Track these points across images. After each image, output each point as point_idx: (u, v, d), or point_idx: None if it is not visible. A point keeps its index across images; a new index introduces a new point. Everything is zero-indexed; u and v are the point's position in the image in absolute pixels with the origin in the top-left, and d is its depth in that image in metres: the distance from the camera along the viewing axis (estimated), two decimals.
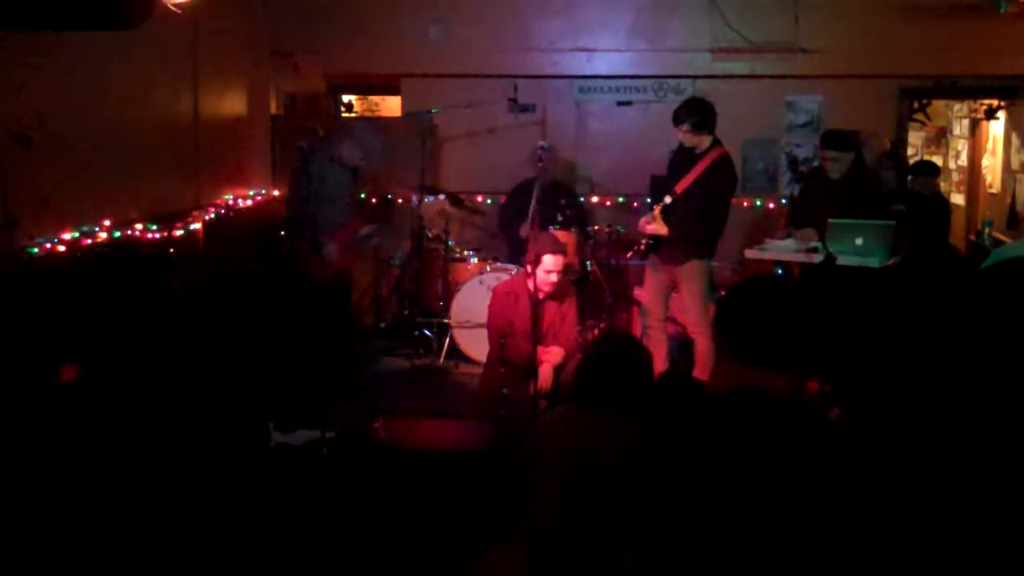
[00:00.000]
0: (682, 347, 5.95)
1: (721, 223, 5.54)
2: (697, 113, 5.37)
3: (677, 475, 1.90)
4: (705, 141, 5.43)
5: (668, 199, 5.44)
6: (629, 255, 6.08)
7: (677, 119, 5.41)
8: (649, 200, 5.80)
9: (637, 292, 6.51)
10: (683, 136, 5.42)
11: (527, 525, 2.90)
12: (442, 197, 6.90)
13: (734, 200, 7.68)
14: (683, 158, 5.54)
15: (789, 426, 1.92)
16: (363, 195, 7.36)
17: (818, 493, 1.83)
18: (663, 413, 2.09)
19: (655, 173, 6.54)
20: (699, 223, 5.41)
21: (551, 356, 5.02)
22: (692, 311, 5.59)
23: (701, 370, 5.57)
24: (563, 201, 6.84)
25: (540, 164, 6.81)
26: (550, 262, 4.98)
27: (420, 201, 6.92)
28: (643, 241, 5.64)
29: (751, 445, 1.88)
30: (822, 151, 5.93)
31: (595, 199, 7.71)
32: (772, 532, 1.81)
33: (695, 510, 1.86)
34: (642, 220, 5.56)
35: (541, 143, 7.08)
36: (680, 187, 5.41)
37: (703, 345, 5.57)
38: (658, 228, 5.42)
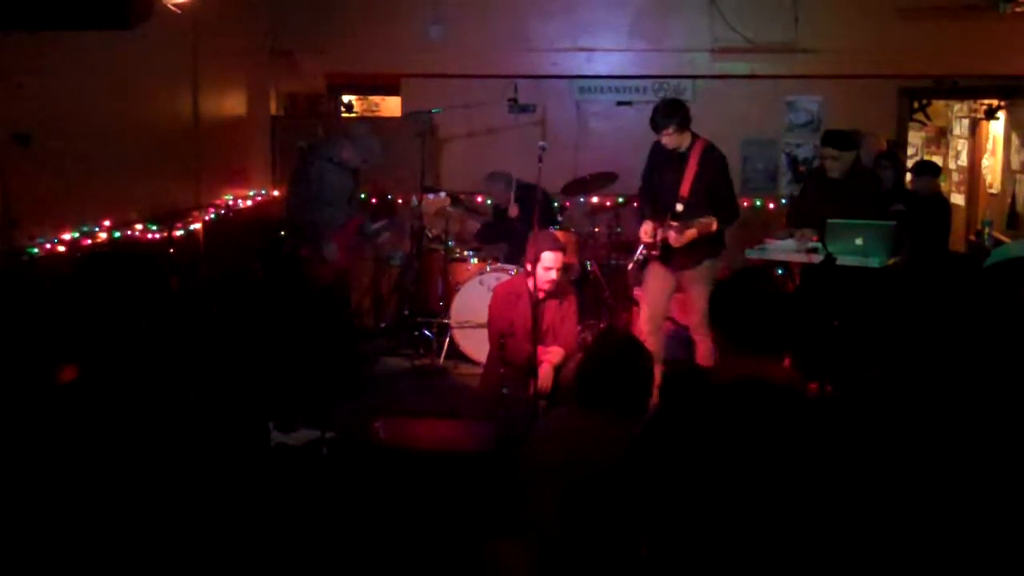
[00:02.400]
0: (686, 344, 5.92)
1: (738, 206, 5.59)
2: (677, 113, 5.32)
3: (689, 464, 1.91)
4: (687, 138, 5.40)
5: (680, 206, 5.36)
6: (631, 266, 5.96)
7: (660, 125, 5.30)
8: (643, 213, 5.69)
9: (637, 292, 6.50)
10: (667, 139, 5.34)
11: (528, 525, 2.91)
12: (443, 195, 6.90)
13: None
14: (667, 160, 5.45)
15: (795, 410, 1.94)
16: (363, 195, 7.36)
17: (828, 476, 1.85)
18: (671, 404, 2.11)
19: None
20: (727, 219, 5.42)
21: (551, 356, 5.02)
22: (698, 313, 5.51)
23: None
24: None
25: (540, 164, 6.81)
26: (549, 259, 4.98)
27: (420, 200, 6.92)
28: (647, 252, 5.51)
29: (760, 431, 1.90)
30: (823, 150, 5.93)
31: (595, 199, 7.70)
32: (785, 515, 1.82)
33: (708, 498, 1.87)
34: (652, 233, 5.40)
35: (541, 143, 7.07)
36: (684, 190, 5.38)
37: (706, 347, 5.54)
38: (687, 236, 5.28)
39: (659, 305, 5.64)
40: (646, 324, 5.62)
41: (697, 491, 1.88)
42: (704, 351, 5.55)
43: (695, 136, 5.44)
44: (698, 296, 5.52)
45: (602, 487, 2.18)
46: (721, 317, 2.10)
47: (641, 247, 5.61)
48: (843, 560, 1.82)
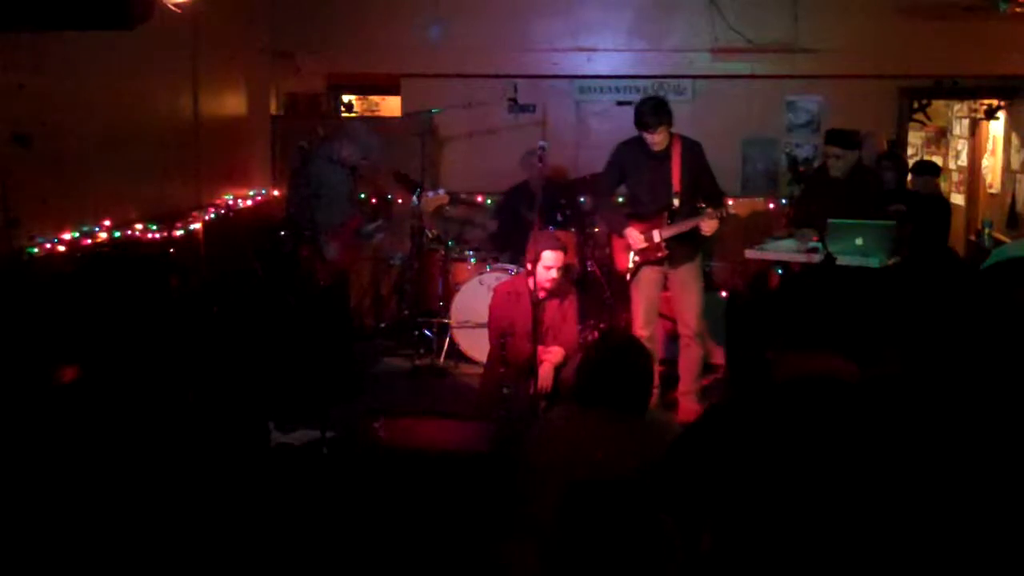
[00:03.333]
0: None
1: (721, 190, 5.55)
2: (667, 112, 5.29)
3: (754, 462, 1.92)
4: (668, 135, 5.38)
5: (676, 201, 5.35)
6: (629, 278, 5.87)
7: (652, 124, 5.23)
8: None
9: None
10: (658, 138, 5.30)
11: (528, 524, 2.91)
12: (441, 192, 6.90)
13: (733, 199, 7.73)
14: (644, 161, 5.41)
15: (862, 408, 1.96)
16: (363, 195, 7.36)
17: (896, 474, 1.86)
18: (733, 402, 2.13)
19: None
20: (712, 203, 5.40)
21: (551, 356, 5.02)
22: (694, 313, 5.49)
23: (689, 379, 5.54)
24: (562, 201, 6.84)
25: (540, 164, 6.81)
26: (550, 258, 4.98)
27: (420, 199, 6.92)
28: (642, 260, 5.43)
29: (830, 428, 1.91)
30: (826, 148, 5.94)
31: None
32: (856, 516, 1.83)
33: (775, 495, 1.88)
34: (645, 238, 5.37)
35: (541, 143, 7.07)
36: (676, 185, 5.35)
37: (697, 353, 5.52)
38: (715, 224, 5.27)
39: (654, 306, 5.58)
40: (644, 328, 5.52)
41: (764, 488, 1.89)
42: (696, 356, 5.52)
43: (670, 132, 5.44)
44: (693, 294, 5.50)
45: (656, 477, 2.19)
46: (787, 313, 2.11)
47: (633, 257, 5.47)
48: (911, 558, 1.83)
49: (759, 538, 1.88)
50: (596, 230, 7.18)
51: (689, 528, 2.03)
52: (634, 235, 5.39)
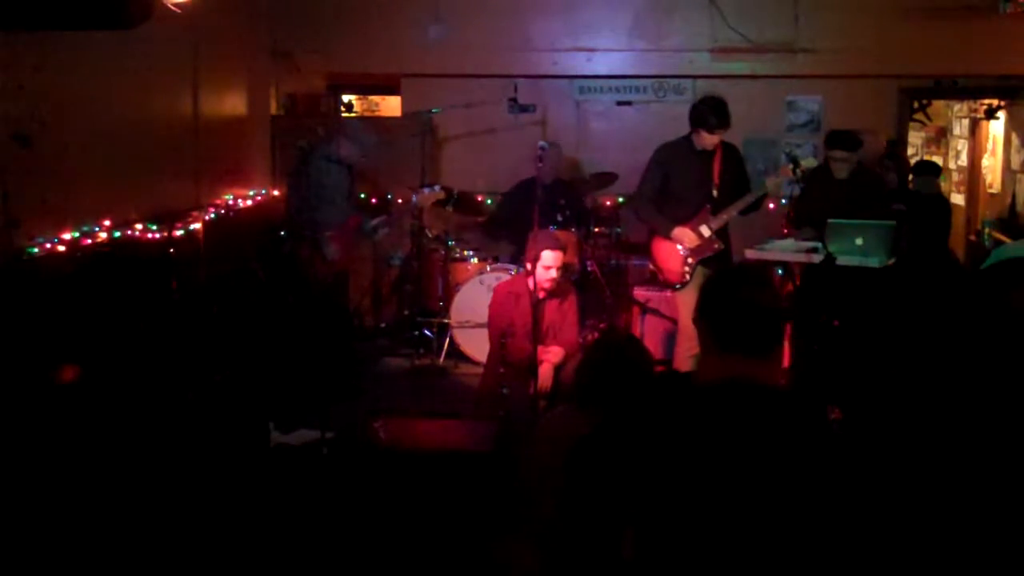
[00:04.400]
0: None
1: None
2: (729, 114, 5.29)
3: (671, 464, 1.90)
4: None
5: (716, 193, 5.36)
6: (676, 284, 5.57)
7: (719, 125, 5.22)
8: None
9: (638, 292, 6.51)
10: (717, 139, 5.31)
11: (529, 524, 2.91)
12: (437, 188, 6.90)
13: None
14: (688, 161, 5.38)
15: (783, 412, 1.93)
16: (363, 195, 7.36)
17: (814, 480, 1.83)
18: (649, 404, 2.09)
19: None
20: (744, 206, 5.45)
21: (551, 356, 5.02)
22: None
23: None
24: (562, 201, 6.84)
25: (540, 164, 6.81)
26: (549, 258, 4.98)
27: (417, 194, 6.92)
28: (696, 259, 5.37)
29: (744, 432, 1.88)
30: (829, 151, 5.94)
31: (608, 203, 7.69)
32: (768, 519, 1.81)
33: (691, 499, 1.86)
34: (696, 238, 5.33)
35: (541, 143, 7.08)
36: (718, 179, 5.37)
37: None
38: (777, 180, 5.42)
39: None
40: (696, 347, 5.38)
41: (679, 493, 1.87)
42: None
43: None
44: None
45: (572, 487, 2.15)
46: (709, 313, 2.07)
47: (687, 259, 5.37)
48: (827, 564, 1.81)
49: (676, 543, 1.85)
50: (596, 230, 7.18)
51: (608, 533, 2.00)
52: (687, 234, 5.35)
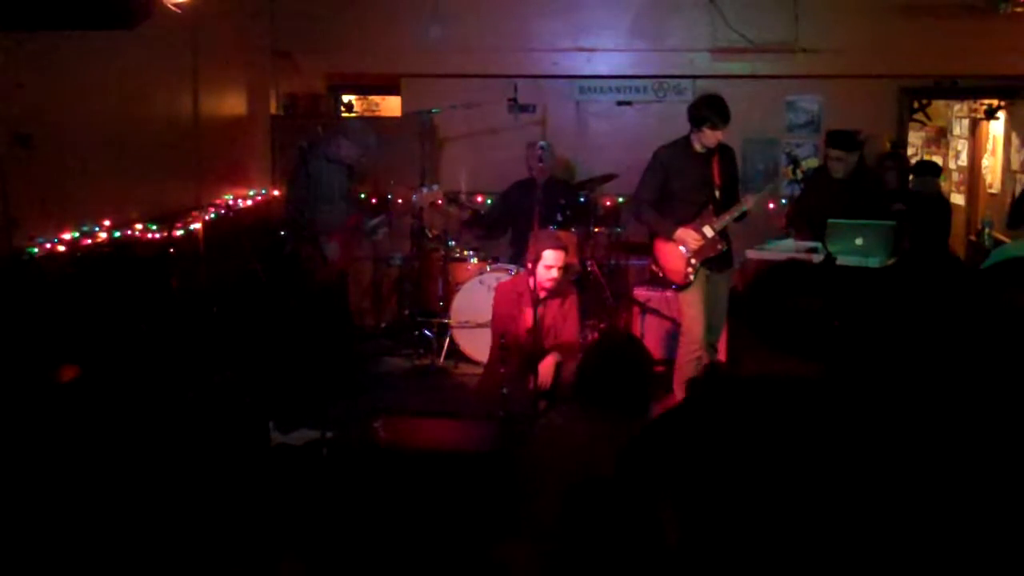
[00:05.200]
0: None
1: None
2: (729, 111, 5.29)
3: (714, 457, 1.92)
4: None
5: (718, 194, 5.35)
6: (679, 285, 5.54)
7: (723, 122, 5.22)
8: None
9: (638, 292, 6.51)
10: (719, 136, 5.29)
11: (529, 525, 2.91)
12: (436, 188, 6.90)
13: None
14: (688, 161, 5.37)
15: (820, 404, 1.95)
16: (363, 195, 7.37)
17: (852, 471, 1.86)
18: (697, 398, 2.11)
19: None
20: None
21: (553, 354, 5.03)
22: (723, 321, 5.50)
23: None
24: (562, 200, 6.84)
25: (540, 164, 6.82)
26: (551, 257, 4.97)
27: (417, 193, 6.92)
28: (699, 261, 5.34)
29: (784, 424, 1.90)
30: (828, 150, 5.95)
31: (608, 203, 7.69)
32: (812, 514, 1.83)
33: (733, 492, 1.88)
34: (699, 239, 5.31)
35: (541, 143, 7.08)
36: (718, 180, 5.36)
37: (707, 359, 5.49)
38: (752, 197, 5.37)
39: (705, 323, 5.40)
40: (698, 348, 5.38)
41: (725, 484, 1.89)
42: (704, 362, 5.50)
43: None
44: (726, 302, 5.48)
45: (616, 473, 2.17)
46: (756, 314, 2.09)
47: (690, 260, 5.36)
48: (864, 556, 1.83)
49: (722, 535, 1.87)
50: (596, 230, 7.18)
51: (656, 521, 2.02)
52: (690, 235, 5.32)
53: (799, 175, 6.01)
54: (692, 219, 5.37)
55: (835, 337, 2.09)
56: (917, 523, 1.92)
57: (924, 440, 2.07)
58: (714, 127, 5.23)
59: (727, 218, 5.35)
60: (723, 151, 5.45)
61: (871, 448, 1.91)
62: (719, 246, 5.36)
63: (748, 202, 5.33)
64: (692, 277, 5.38)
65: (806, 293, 2.07)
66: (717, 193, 5.35)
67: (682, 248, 5.36)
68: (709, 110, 5.24)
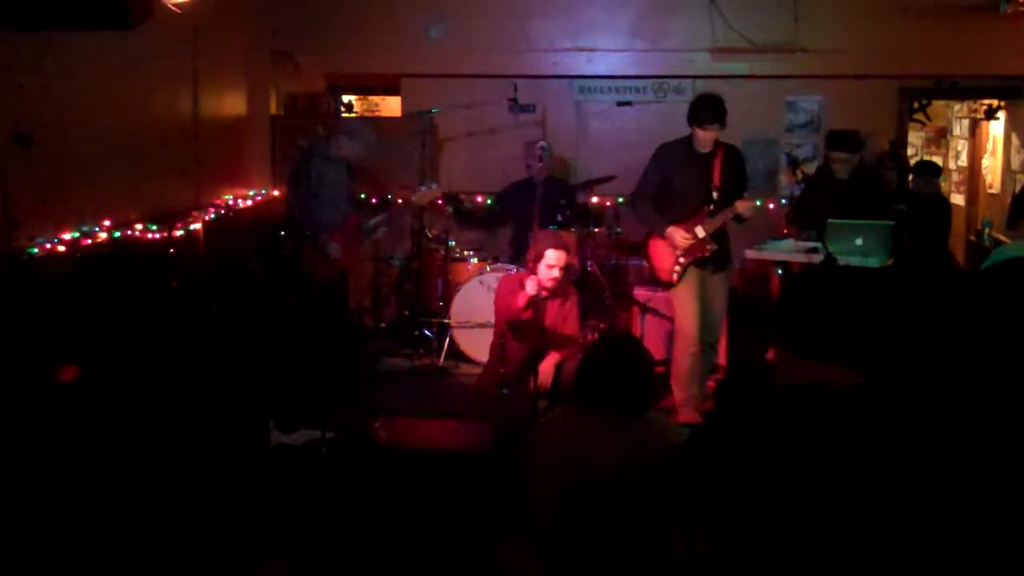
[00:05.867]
0: None
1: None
2: (724, 111, 5.26)
3: (749, 469, 1.92)
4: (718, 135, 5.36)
5: (715, 194, 5.33)
6: (676, 278, 5.60)
7: (711, 120, 5.20)
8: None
9: (638, 292, 6.50)
10: (711, 136, 5.28)
11: (528, 525, 2.91)
12: (434, 186, 6.90)
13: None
14: (687, 161, 5.38)
15: (855, 416, 1.95)
16: (363, 195, 7.37)
17: (885, 480, 1.86)
18: (732, 406, 2.12)
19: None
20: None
21: (553, 355, 5.03)
22: (719, 320, 5.51)
23: (694, 384, 5.47)
24: (561, 200, 6.84)
25: (540, 164, 6.82)
26: (553, 256, 4.97)
27: (416, 193, 6.93)
28: (688, 260, 5.36)
29: (819, 437, 1.90)
30: (830, 152, 5.95)
31: (595, 199, 7.70)
32: (842, 523, 1.83)
33: (768, 504, 1.88)
34: (689, 238, 5.32)
35: (541, 143, 7.08)
36: (717, 181, 5.34)
37: (705, 359, 5.49)
38: (750, 204, 5.31)
39: (698, 320, 5.40)
40: (692, 345, 5.39)
41: (756, 494, 1.89)
42: (704, 361, 5.50)
43: None
44: (722, 301, 5.48)
45: (658, 483, 2.18)
46: (788, 321, 2.09)
47: (679, 258, 5.38)
48: (898, 563, 1.83)
49: (755, 545, 1.87)
50: (596, 230, 7.18)
51: (687, 533, 2.03)
52: (679, 233, 5.33)
53: (799, 175, 6.01)
54: (687, 218, 5.37)
55: (873, 339, 2.09)
56: (931, 530, 1.93)
57: (930, 443, 2.07)
58: (701, 125, 5.24)
59: (720, 220, 5.34)
60: (728, 152, 5.43)
61: (898, 460, 1.92)
62: (708, 247, 5.36)
63: (740, 207, 5.31)
64: (677, 276, 5.40)
65: (840, 288, 2.07)
66: (715, 194, 5.34)
67: (673, 246, 5.38)
68: (698, 108, 5.27)
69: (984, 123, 8.87)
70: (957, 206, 9.09)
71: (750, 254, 5.72)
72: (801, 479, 1.87)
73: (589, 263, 6.89)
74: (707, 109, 5.22)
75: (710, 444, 2.04)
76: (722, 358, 6.07)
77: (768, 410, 2.01)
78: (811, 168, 6.70)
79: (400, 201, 7.57)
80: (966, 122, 9.59)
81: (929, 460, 2.00)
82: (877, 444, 1.92)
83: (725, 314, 5.58)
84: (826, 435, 1.90)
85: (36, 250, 4.66)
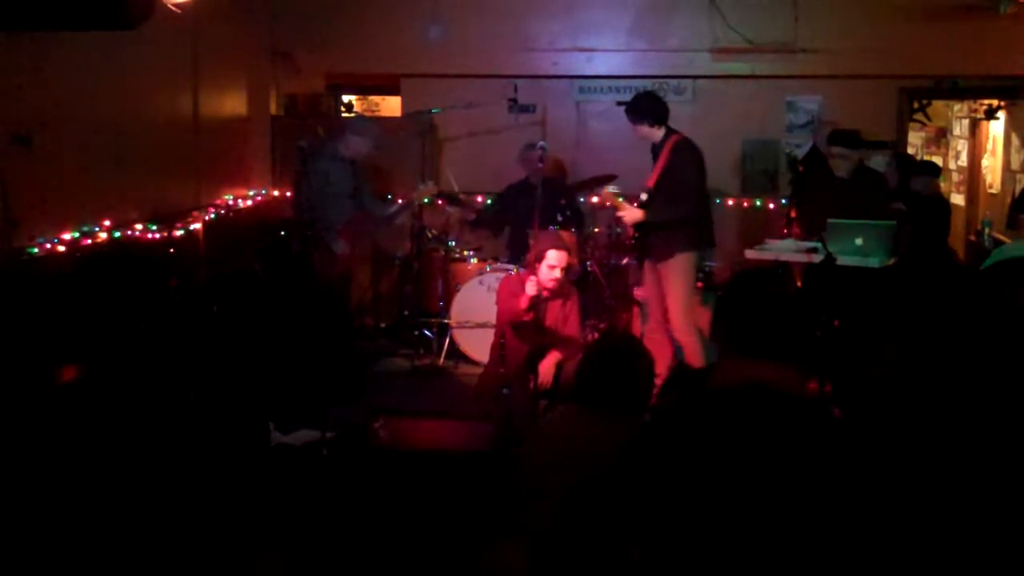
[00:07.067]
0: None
1: (694, 208, 5.43)
2: (646, 110, 5.44)
3: (683, 470, 1.90)
4: (659, 133, 5.47)
5: (644, 196, 5.51)
6: (624, 260, 6.07)
7: (632, 119, 5.47)
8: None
9: (637, 292, 6.51)
10: (645, 133, 5.48)
11: (528, 525, 2.91)
12: (431, 184, 6.90)
13: (733, 199, 7.69)
14: (651, 153, 5.60)
15: (793, 418, 1.92)
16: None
17: (828, 488, 1.83)
18: (667, 409, 2.08)
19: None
20: (672, 212, 5.39)
21: (553, 355, 5.03)
22: (672, 311, 5.50)
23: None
24: (563, 201, 6.84)
25: (540, 165, 6.81)
26: (554, 257, 4.97)
27: (415, 192, 6.93)
28: (632, 237, 5.65)
29: (756, 438, 1.87)
30: (831, 148, 5.95)
31: (595, 199, 7.70)
32: (779, 526, 1.81)
33: (702, 506, 1.86)
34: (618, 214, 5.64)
35: (541, 143, 7.08)
36: (651, 181, 5.47)
37: (691, 347, 5.52)
38: (631, 213, 5.44)
39: (658, 303, 5.63)
40: (658, 328, 5.61)
41: (690, 497, 1.86)
42: (690, 352, 5.52)
43: (670, 131, 5.49)
44: (669, 293, 5.52)
45: (597, 489, 2.15)
46: (723, 319, 2.07)
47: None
48: (837, 569, 1.80)
49: (685, 549, 1.85)
50: (596, 230, 7.19)
51: (620, 535, 1.99)
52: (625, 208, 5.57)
53: (795, 159, 6.05)
54: None
55: (811, 333, 2.07)
56: (902, 530, 1.91)
57: (917, 442, 2.06)
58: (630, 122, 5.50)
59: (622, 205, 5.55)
60: (672, 151, 5.43)
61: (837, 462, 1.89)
62: (631, 237, 5.64)
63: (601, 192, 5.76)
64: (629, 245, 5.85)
65: (775, 283, 2.05)
66: (643, 196, 5.54)
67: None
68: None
69: (984, 123, 8.87)
70: (957, 206, 9.10)
71: (750, 254, 5.72)
72: (732, 482, 1.84)
73: (589, 263, 6.89)
74: (628, 107, 5.53)
75: (641, 448, 2.01)
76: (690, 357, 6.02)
77: (700, 412, 1.97)
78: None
79: (400, 201, 7.57)
80: (966, 122, 9.59)
81: (907, 461, 1.98)
82: (816, 448, 1.87)
83: (674, 304, 5.52)
84: (760, 436, 1.87)
85: (36, 250, 4.67)
